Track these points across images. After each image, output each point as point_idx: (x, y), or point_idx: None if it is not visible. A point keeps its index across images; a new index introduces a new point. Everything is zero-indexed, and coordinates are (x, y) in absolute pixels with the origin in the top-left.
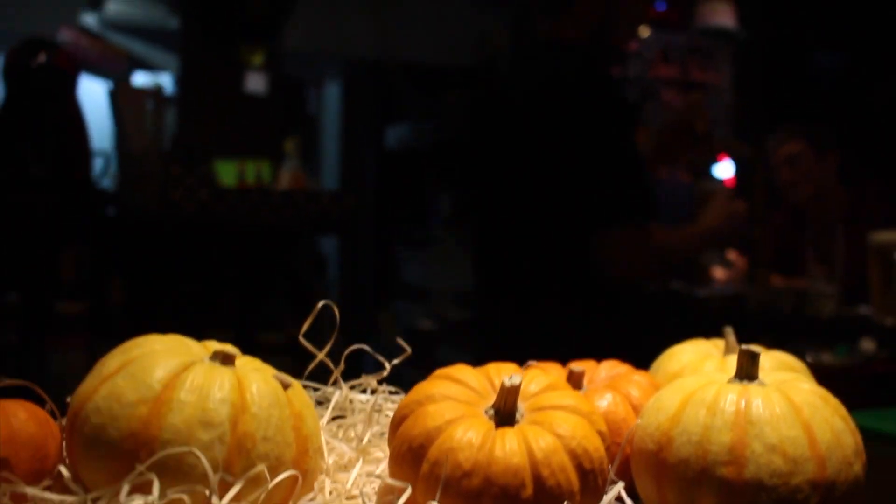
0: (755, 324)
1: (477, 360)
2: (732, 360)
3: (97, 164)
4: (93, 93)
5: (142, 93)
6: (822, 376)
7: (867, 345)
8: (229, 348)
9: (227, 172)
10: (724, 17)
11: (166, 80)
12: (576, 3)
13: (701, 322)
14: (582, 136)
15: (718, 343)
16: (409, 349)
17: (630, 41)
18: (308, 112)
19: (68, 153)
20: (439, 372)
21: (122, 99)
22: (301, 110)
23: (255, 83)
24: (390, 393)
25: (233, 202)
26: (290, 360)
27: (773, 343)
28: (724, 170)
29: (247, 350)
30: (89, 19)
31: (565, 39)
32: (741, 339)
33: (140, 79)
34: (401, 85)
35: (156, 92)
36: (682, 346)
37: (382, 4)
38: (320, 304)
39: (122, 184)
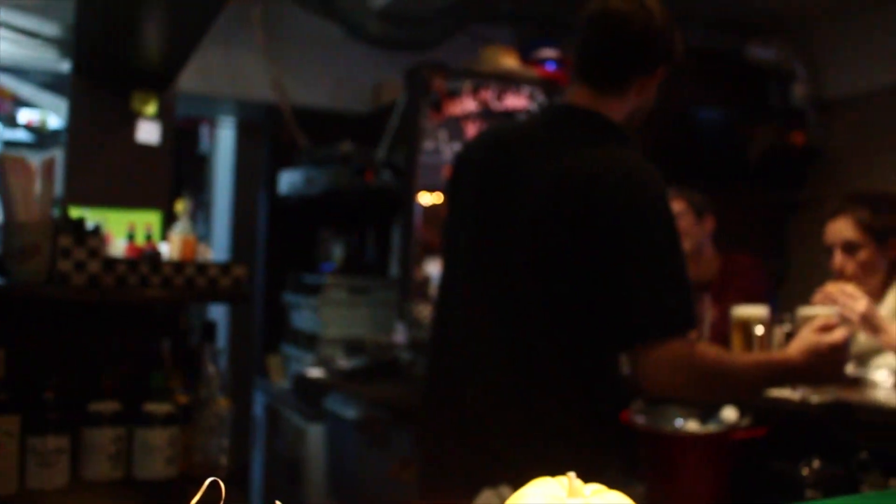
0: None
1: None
2: None
3: None
4: None
5: (31, 165)
6: (687, 444)
7: (729, 413)
8: None
9: (116, 225)
10: None
11: (55, 124)
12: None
13: None
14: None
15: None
16: None
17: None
18: (200, 157)
19: None
20: None
21: (9, 169)
22: (193, 156)
23: (148, 132)
24: None
25: (123, 274)
26: None
27: (645, 406)
28: None
29: (136, 419)
30: None
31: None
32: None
33: (26, 116)
34: (294, 131)
35: (47, 164)
36: (525, 493)
37: (277, 50)
38: (207, 481)
39: (8, 253)
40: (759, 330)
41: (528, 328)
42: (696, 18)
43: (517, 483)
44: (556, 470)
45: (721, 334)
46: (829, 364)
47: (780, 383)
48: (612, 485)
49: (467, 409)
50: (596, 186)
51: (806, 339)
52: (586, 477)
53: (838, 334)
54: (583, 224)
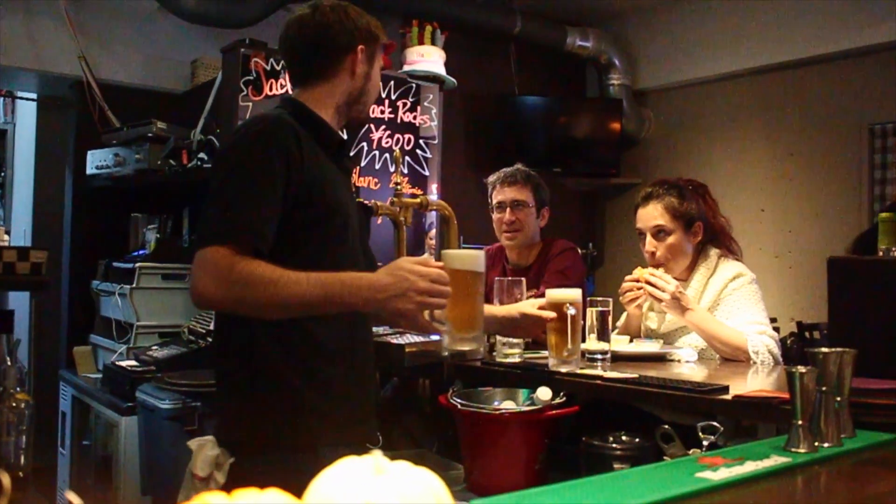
0: (449, 371)
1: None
2: (382, 482)
3: None
4: None
5: None
6: (504, 423)
7: (543, 393)
8: None
9: None
10: (432, 64)
11: None
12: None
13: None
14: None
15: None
16: None
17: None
18: None
19: None
20: None
21: None
22: None
23: None
24: None
25: None
26: None
27: (463, 388)
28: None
29: None
30: None
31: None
32: (437, 389)
33: None
34: (103, 108)
35: None
36: (331, 471)
37: (84, 21)
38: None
39: None
40: (571, 310)
41: None
42: (519, 9)
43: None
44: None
45: None
46: (410, 294)
47: (346, 298)
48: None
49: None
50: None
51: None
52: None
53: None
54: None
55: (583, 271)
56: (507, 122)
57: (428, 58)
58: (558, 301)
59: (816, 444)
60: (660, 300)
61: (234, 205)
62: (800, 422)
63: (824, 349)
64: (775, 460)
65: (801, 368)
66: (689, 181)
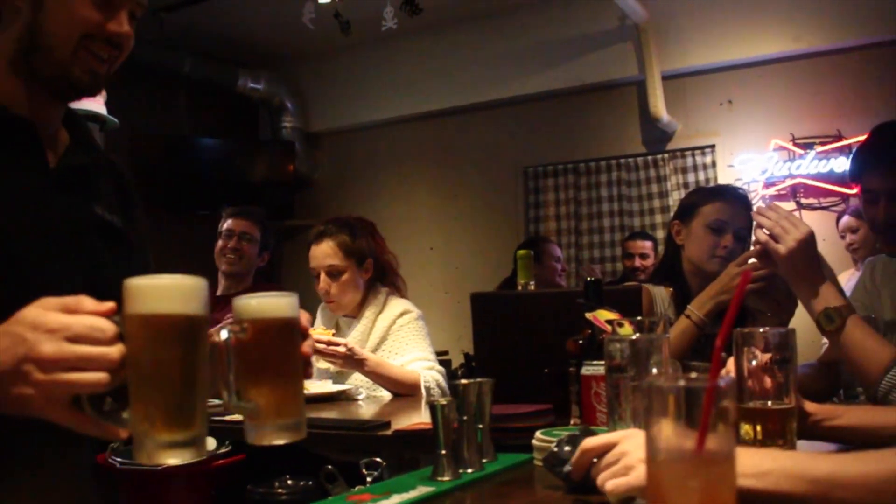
0: None
1: None
2: None
3: None
4: None
5: None
6: (168, 478)
7: (208, 442)
8: None
9: None
10: (91, 102)
11: None
12: None
13: None
14: None
15: None
16: None
17: None
18: None
19: None
20: None
21: None
22: None
23: None
24: None
25: None
26: None
27: (123, 445)
28: None
29: None
30: None
31: None
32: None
33: None
34: None
35: None
36: None
37: None
38: None
39: None
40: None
41: None
42: (188, 48)
43: None
44: None
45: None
46: (27, 367)
47: None
48: None
49: None
50: None
51: None
52: None
53: None
54: None
55: None
56: (181, 164)
57: (89, 97)
58: None
59: (461, 470)
60: (334, 357)
61: None
62: (443, 451)
63: (464, 381)
64: (420, 490)
65: (442, 400)
66: (359, 218)
